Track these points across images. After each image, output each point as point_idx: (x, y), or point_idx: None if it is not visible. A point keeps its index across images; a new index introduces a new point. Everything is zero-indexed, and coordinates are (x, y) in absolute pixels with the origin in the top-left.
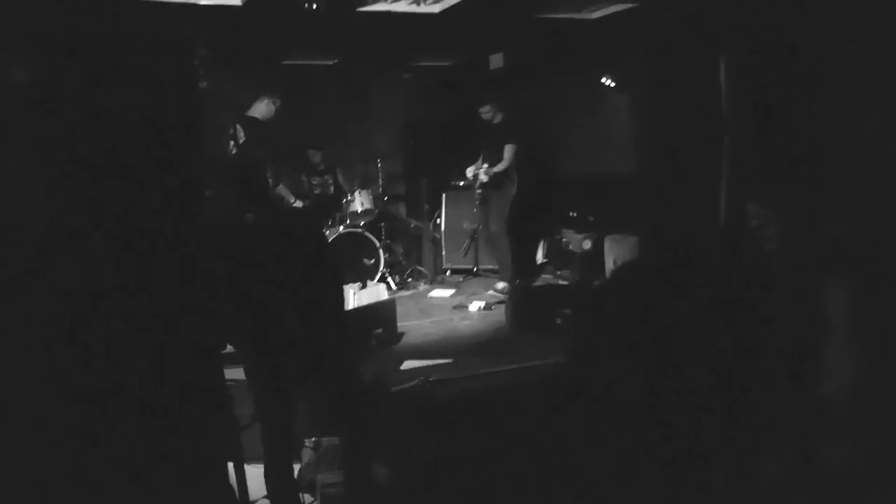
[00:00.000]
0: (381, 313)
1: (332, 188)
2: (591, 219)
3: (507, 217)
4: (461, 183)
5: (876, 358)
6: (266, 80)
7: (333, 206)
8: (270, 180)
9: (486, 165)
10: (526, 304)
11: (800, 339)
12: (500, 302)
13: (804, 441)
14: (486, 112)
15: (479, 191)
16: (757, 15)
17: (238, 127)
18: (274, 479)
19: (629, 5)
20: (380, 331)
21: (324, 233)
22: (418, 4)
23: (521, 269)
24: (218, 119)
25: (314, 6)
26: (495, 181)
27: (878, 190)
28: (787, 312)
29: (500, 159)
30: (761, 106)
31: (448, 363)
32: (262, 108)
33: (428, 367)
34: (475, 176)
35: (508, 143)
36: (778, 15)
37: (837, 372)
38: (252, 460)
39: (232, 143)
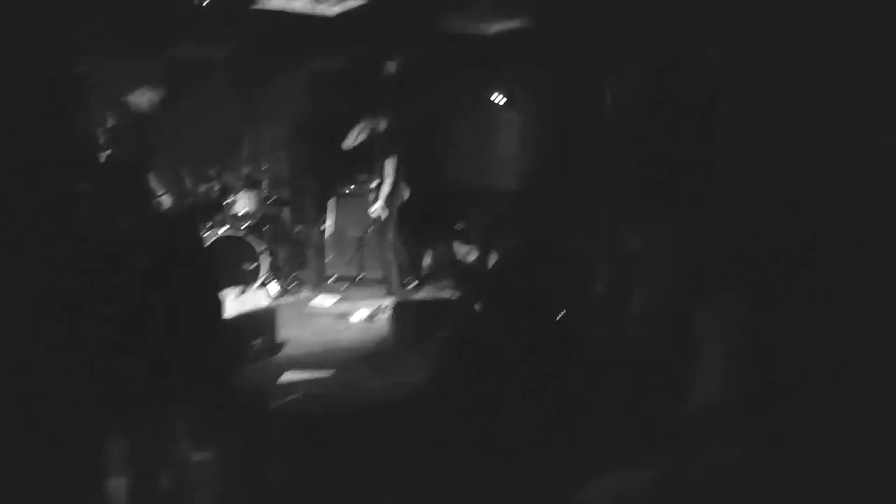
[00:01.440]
0: (260, 322)
1: (216, 189)
2: (479, 231)
3: (396, 226)
4: (348, 189)
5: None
6: (149, 70)
7: (215, 208)
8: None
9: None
10: (410, 316)
11: (677, 349)
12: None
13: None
14: (371, 121)
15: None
16: (646, 39)
17: (107, 113)
18: (138, 496)
19: (525, 24)
20: (258, 340)
21: (201, 237)
22: (315, 4)
23: (406, 279)
24: (94, 107)
25: (204, 3)
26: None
27: (767, 207)
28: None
29: (381, 167)
30: (651, 125)
31: (328, 376)
32: (139, 98)
33: (308, 380)
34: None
35: (389, 155)
36: (666, 38)
37: (708, 385)
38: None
39: (101, 129)
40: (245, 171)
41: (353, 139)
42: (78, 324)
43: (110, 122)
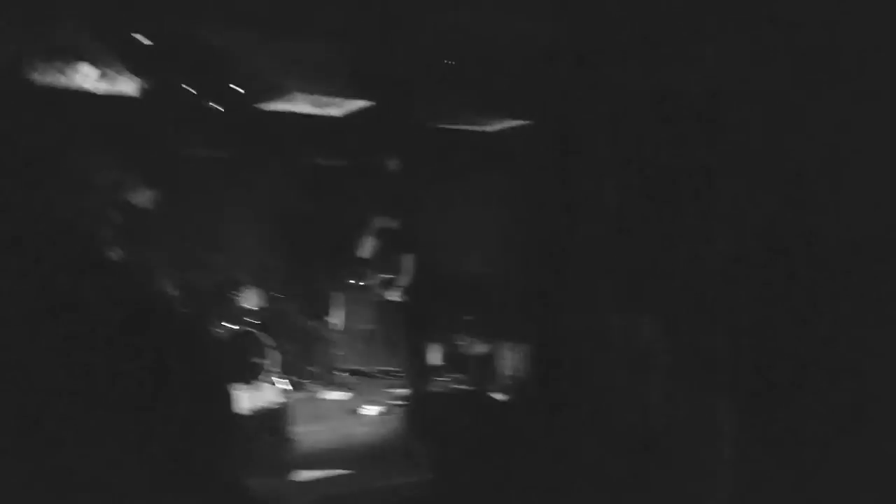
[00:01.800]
0: (272, 419)
1: (223, 284)
2: (487, 324)
3: (406, 320)
4: (358, 282)
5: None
6: (153, 168)
7: (223, 303)
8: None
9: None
10: (425, 408)
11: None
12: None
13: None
14: (382, 220)
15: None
16: (642, 142)
17: (114, 211)
18: None
19: (525, 122)
20: (271, 437)
21: (212, 336)
22: (320, 107)
23: (419, 372)
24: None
25: (217, 106)
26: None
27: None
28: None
29: (395, 264)
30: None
31: (345, 475)
32: (137, 195)
33: (324, 479)
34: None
35: (407, 251)
36: (662, 140)
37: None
38: None
39: (105, 230)
40: (252, 266)
41: (369, 247)
42: (86, 422)
43: (117, 222)
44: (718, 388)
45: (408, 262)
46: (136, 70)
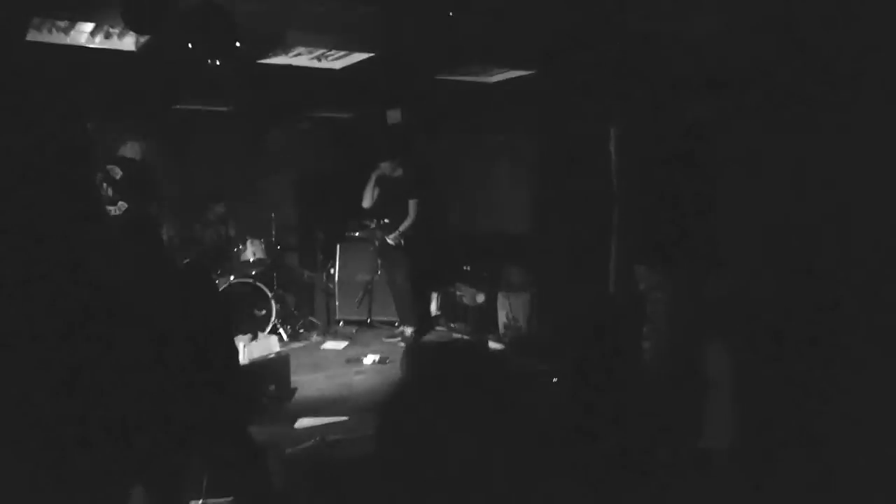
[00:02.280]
0: (273, 368)
1: (224, 237)
2: (485, 274)
3: (401, 269)
4: (355, 234)
5: (753, 416)
6: (157, 122)
7: (224, 256)
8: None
9: (386, 221)
10: (423, 359)
11: (682, 398)
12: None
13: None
14: (387, 168)
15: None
16: (646, 87)
17: (113, 167)
18: None
19: (527, 72)
20: (272, 386)
21: (217, 287)
22: (320, 60)
23: (417, 321)
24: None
25: (217, 62)
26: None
27: (762, 255)
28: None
29: (400, 213)
30: (649, 172)
31: (343, 420)
32: (128, 150)
33: (323, 425)
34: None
35: (412, 197)
36: (666, 87)
37: (718, 427)
38: None
39: (106, 184)
40: (253, 218)
41: (370, 197)
42: (94, 375)
43: (118, 175)
44: (715, 335)
45: (408, 211)
46: (133, 26)
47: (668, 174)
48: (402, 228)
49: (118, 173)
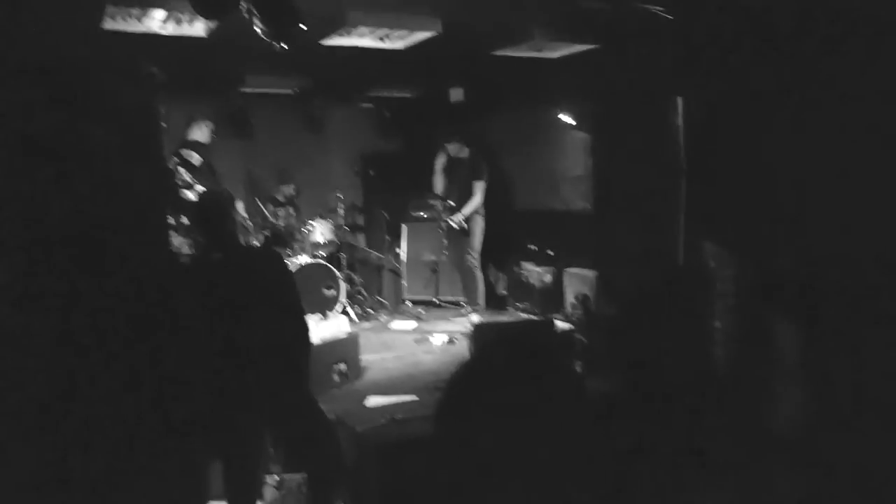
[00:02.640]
0: (343, 348)
1: (294, 218)
2: (551, 253)
3: (471, 249)
4: (422, 214)
5: (823, 392)
6: (223, 107)
7: (293, 237)
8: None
9: (451, 203)
10: (490, 339)
11: (752, 376)
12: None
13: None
14: (453, 149)
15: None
16: (714, 60)
17: (187, 151)
18: None
19: (590, 46)
20: (342, 365)
21: (289, 267)
22: (383, 41)
23: (484, 301)
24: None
25: (283, 46)
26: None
27: (830, 233)
28: (740, 350)
29: (465, 195)
30: (718, 148)
31: (413, 400)
32: (198, 133)
33: (392, 404)
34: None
35: (477, 179)
36: (734, 61)
37: (788, 407)
38: (214, 497)
39: (183, 169)
40: (321, 200)
41: (441, 183)
42: (175, 354)
43: (196, 160)
44: (780, 315)
45: (474, 191)
46: (203, 12)
47: (737, 147)
48: (465, 211)
49: (196, 158)
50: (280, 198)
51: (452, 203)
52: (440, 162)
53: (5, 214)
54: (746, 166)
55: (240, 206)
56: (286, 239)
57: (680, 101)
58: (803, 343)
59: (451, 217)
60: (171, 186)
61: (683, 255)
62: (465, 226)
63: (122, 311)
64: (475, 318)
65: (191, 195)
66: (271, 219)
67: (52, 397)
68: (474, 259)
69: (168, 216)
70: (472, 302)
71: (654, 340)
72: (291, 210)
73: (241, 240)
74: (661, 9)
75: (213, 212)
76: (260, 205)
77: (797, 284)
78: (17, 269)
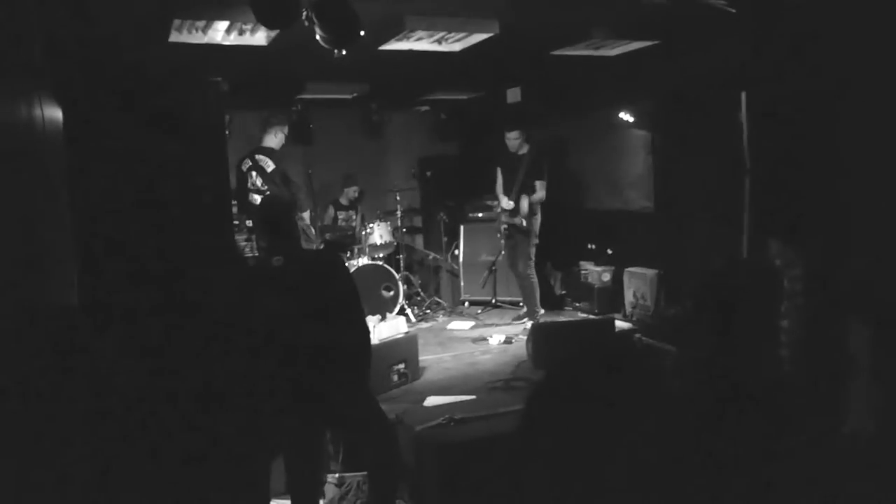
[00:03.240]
0: (402, 348)
1: (355, 221)
2: (610, 252)
3: (525, 256)
4: (479, 215)
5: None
6: (284, 113)
7: (354, 239)
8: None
9: (516, 198)
10: (547, 339)
11: (823, 379)
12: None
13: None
14: (514, 138)
15: (504, 226)
16: (777, 58)
17: (260, 157)
18: None
19: (649, 43)
20: (402, 366)
21: (351, 273)
22: (440, 43)
23: (531, 307)
24: (236, 154)
25: (343, 53)
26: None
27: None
28: (810, 352)
29: (526, 193)
30: (783, 146)
31: (471, 400)
32: (273, 139)
33: (451, 404)
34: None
35: (539, 178)
36: (797, 60)
37: (861, 411)
38: (276, 496)
39: (255, 173)
40: (379, 202)
41: (500, 182)
42: (238, 356)
43: (270, 166)
44: (855, 314)
45: (537, 189)
46: (265, 21)
47: (802, 144)
48: (525, 210)
49: (269, 164)
50: (344, 201)
51: (512, 203)
52: (499, 173)
53: (81, 223)
54: (812, 164)
55: (303, 212)
56: (346, 243)
57: (743, 96)
58: (874, 345)
59: (514, 217)
60: (238, 192)
61: (748, 253)
62: (524, 223)
63: (188, 315)
64: (528, 319)
65: (254, 201)
66: (333, 221)
67: (121, 398)
68: (528, 266)
69: (234, 222)
70: (529, 308)
71: (717, 340)
72: (354, 214)
73: (303, 244)
74: (723, 2)
75: (274, 216)
76: (321, 209)
77: (867, 284)
78: (92, 277)
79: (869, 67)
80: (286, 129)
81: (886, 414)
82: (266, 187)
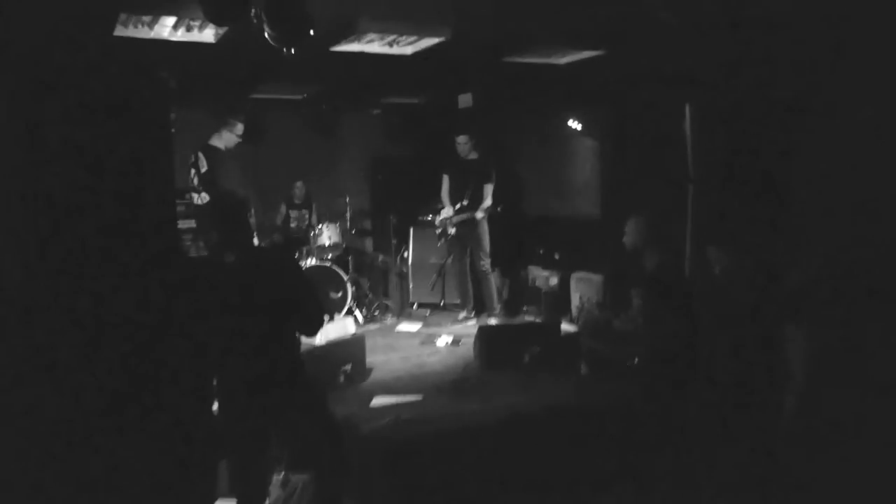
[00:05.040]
0: (349, 349)
1: (307, 221)
2: (557, 257)
3: (482, 253)
4: (428, 218)
5: (832, 401)
6: (233, 113)
7: (303, 240)
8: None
9: (460, 205)
10: (495, 341)
11: (762, 384)
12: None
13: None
14: (463, 143)
15: (449, 229)
16: (721, 69)
17: (199, 155)
18: None
19: (597, 53)
20: (348, 366)
21: (300, 266)
22: (391, 46)
23: (490, 304)
24: (182, 151)
25: (292, 52)
26: (469, 220)
27: (837, 240)
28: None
29: (475, 197)
30: (725, 156)
31: (418, 400)
32: (223, 138)
33: (398, 404)
34: (444, 218)
35: (486, 182)
36: (741, 70)
37: (796, 414)
38: (222, 496)
39: (193, 171)
40: (329, 203)
41: (446, 187)
42: (184, 354)
43: (203, 165)
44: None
45: (485, 194)
46: (213, 18)
47: (744, 154)
48: (478, 215)
49: (204, 165)
50: (297, 200)
51: (465, 203)
52: (445, 179)
53: (18, 216)
54: (752, 173)
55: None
56: (297, 242)
57: (687, 108)
58: (809, 350)
59: (461, 226)
60: (180, 190)
61: (689, 261)
62: (476, 233)
63: (132, 312)
64: (475, 321)
65: (196, 199)
66: (283, 223)
67: (60, 395)
68: (486, 264)
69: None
70: (487, 307)
71: (659, 344)
72: (308, 213)
73: (257, 245)
74: (668, 14)
75: (228, 215)
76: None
77: (801, 291)
78: (29, 270)
79: (808, 78)
80: (237, 129)
81: (815, 418)
82: (201, 187)
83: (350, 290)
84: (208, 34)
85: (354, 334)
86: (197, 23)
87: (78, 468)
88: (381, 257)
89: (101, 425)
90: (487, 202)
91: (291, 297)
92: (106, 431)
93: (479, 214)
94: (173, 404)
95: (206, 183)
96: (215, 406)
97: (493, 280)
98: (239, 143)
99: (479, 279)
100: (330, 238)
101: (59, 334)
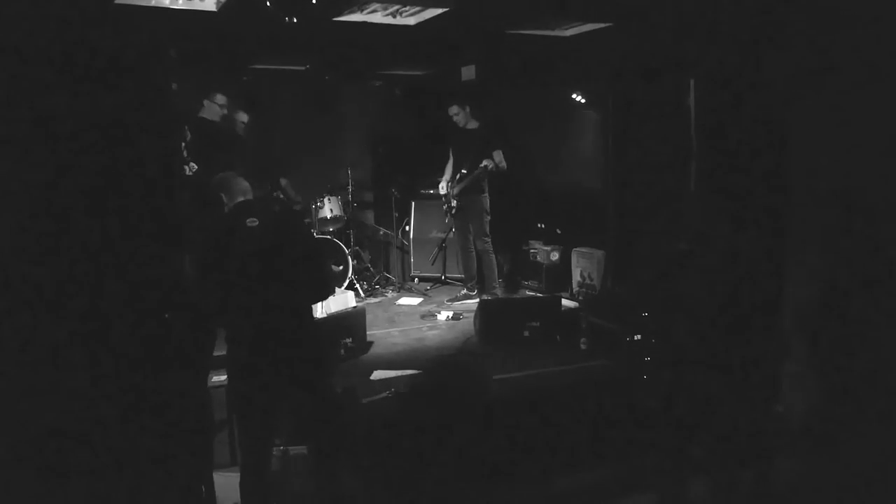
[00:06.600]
0: (350, 322)
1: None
2: (559, 231)
3: (483, 235)
4: (430, 191)
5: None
6: (234, 83)
7: (303, 213)
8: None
9: (460, 173)
10: (495, 315)
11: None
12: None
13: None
14: (454, 113)
15: (453, 202)
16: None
17: (185, 128)
18: (249, 487)
19: (603, 25)
20: (349, 339)
21: (310, 231)
22: (394, 17)
23: (490, 282)
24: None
25: (294, 20)
26: (473, 187)
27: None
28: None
29: (473, 163)
30: (726, 130)
31: (417, 374)
32: (210, 109)
33: (397, 377)
34: (448, 188)
35: (492, 149)
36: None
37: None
38: (221, 467)
39: (183, 144)
40: (330, 176)
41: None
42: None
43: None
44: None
45: (483, 170)
46: None
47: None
48: (476, 193)
49: (188, 135)
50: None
51: (464, 172)
52: (445, 139)
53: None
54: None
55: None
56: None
57: (692, 83)
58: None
59: (462, 199)
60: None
61: (692, 234)
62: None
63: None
64: (463, 292)
65: (187, 171)
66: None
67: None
68: (486, 241)
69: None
70: (487, 286)
71: (661, 318)
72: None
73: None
74: None
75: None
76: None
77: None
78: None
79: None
80: (218, 100)
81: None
82: (189, 158)
83: (351, 263)
84: (210, 3)
85: (355, 307)
86: None
87: (85, 434)
88: (382, 230)
89: (99, 391)
90: (503, 165)
91: (304, 261)
92: (102, 397)
93: (487, 163)
94: (173, 371)
95: (194, 153)
96: (219, 378)
97: (494, 258)
98: (225, 114)
99: (479, 256)
100: (331, 211)
101: (67, 296)
